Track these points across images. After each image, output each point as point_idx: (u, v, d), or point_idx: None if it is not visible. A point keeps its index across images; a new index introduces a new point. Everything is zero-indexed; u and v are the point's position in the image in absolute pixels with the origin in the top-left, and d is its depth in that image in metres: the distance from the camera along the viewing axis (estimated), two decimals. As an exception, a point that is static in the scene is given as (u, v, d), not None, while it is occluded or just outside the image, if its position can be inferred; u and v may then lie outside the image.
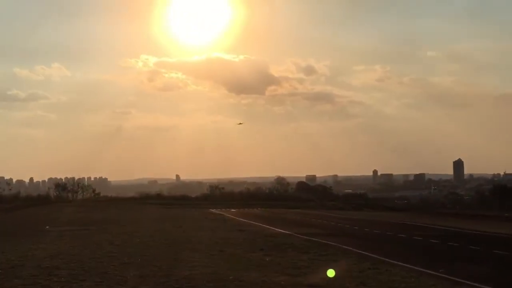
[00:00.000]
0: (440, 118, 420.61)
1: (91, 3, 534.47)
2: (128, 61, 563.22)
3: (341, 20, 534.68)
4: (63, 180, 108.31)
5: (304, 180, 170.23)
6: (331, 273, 6.09)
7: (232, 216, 47.78)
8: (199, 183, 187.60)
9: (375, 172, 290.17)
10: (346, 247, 22.04)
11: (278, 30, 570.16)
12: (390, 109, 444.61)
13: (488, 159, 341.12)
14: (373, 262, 17.15)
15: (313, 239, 25.85)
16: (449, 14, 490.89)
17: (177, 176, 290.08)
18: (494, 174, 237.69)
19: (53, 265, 16.45)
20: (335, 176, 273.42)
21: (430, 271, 15.38)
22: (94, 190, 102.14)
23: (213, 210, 59.23)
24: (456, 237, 27.95)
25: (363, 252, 20.12)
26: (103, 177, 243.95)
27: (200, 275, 14.51)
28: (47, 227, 33.58)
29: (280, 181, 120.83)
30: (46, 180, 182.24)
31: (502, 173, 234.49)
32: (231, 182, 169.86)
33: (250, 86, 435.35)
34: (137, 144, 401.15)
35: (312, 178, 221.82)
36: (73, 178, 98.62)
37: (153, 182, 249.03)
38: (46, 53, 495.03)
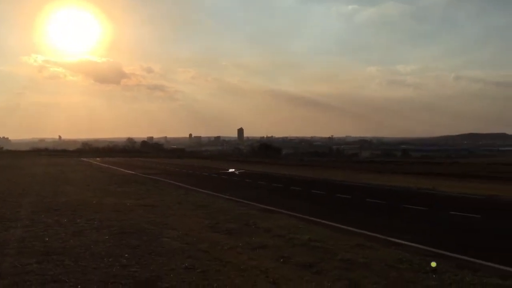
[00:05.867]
0: (231, 103, 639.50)
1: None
2: (23, 58, 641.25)
3: (171, 38, 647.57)
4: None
5: (145, 140, 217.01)
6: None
7: (96, 163, 54.79)
8: (75, 141, 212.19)
9: (190, 135, 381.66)
10: (170, 181, 26.82)
11: (130, 42, 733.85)
12: (200, 96, 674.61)
13: (258, 127, 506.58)
14: (186, 190, 20.88)
15: (150, 176, 31.34)
16: (236, 38, 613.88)
17: (59, 136, 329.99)
18: (261, 137, 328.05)
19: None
20: (165, 137, 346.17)
21: (221, 195, 19.45)
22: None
23: (84, 159, 67.11)
24: (244, 174, 36.08)
25: (180, 184, 24.52)
26: (5, 137, 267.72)
27: (73, 201, 16.38)
28: None
29: (130, 140, 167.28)
30: None
31: (265, 136, 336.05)
32: (97, 141, 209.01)
33: (110, 78, 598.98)
34: (31, 115, 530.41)
35: (150, 139, 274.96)
36: None
37: (42, 140, 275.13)
38: None
